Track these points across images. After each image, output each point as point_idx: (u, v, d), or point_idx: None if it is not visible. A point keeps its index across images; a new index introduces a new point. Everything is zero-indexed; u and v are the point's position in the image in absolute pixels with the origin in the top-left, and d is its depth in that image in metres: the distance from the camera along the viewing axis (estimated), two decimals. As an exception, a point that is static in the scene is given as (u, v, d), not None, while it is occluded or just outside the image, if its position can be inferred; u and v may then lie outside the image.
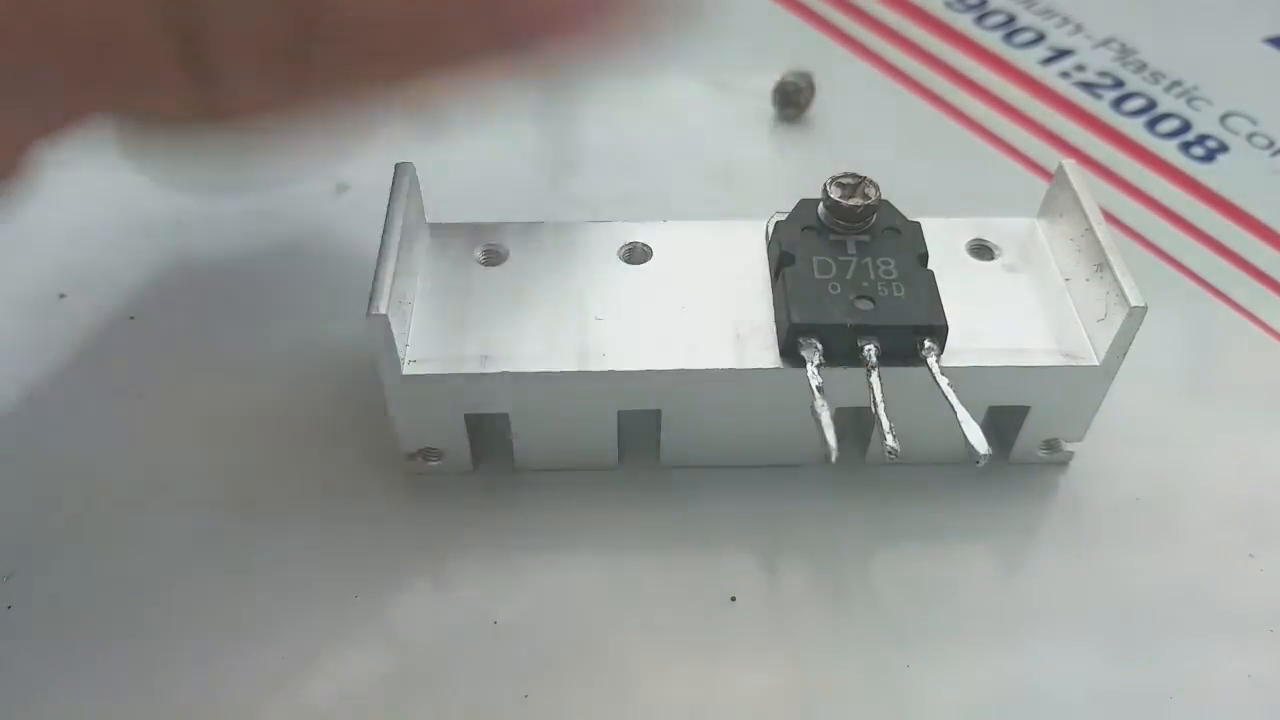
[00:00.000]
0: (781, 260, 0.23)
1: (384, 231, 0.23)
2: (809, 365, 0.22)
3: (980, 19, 0.39)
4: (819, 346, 0.22)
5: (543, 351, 0.23)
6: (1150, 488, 0.25)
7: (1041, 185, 0.26)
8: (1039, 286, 0.24)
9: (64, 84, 0.17)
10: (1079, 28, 0.39)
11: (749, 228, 0.25)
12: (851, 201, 0.23)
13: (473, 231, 0.25)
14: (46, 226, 0.31)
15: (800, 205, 0.24)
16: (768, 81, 0.35)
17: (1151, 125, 0.35)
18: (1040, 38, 0.38)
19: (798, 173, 0.34)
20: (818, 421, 0.21)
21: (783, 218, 0.24)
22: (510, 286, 0.24)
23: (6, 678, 0.22)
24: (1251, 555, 0.24)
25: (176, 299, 0.29)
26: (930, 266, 0.23)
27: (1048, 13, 0.39)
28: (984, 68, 0.37)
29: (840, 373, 0.22)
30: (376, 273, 0.22)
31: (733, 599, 0.23)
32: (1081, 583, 0.24)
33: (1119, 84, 0.36)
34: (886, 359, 0.22)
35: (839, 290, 0.22)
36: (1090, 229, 0.23)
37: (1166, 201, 0.32)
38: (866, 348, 0.22)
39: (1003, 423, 0.25)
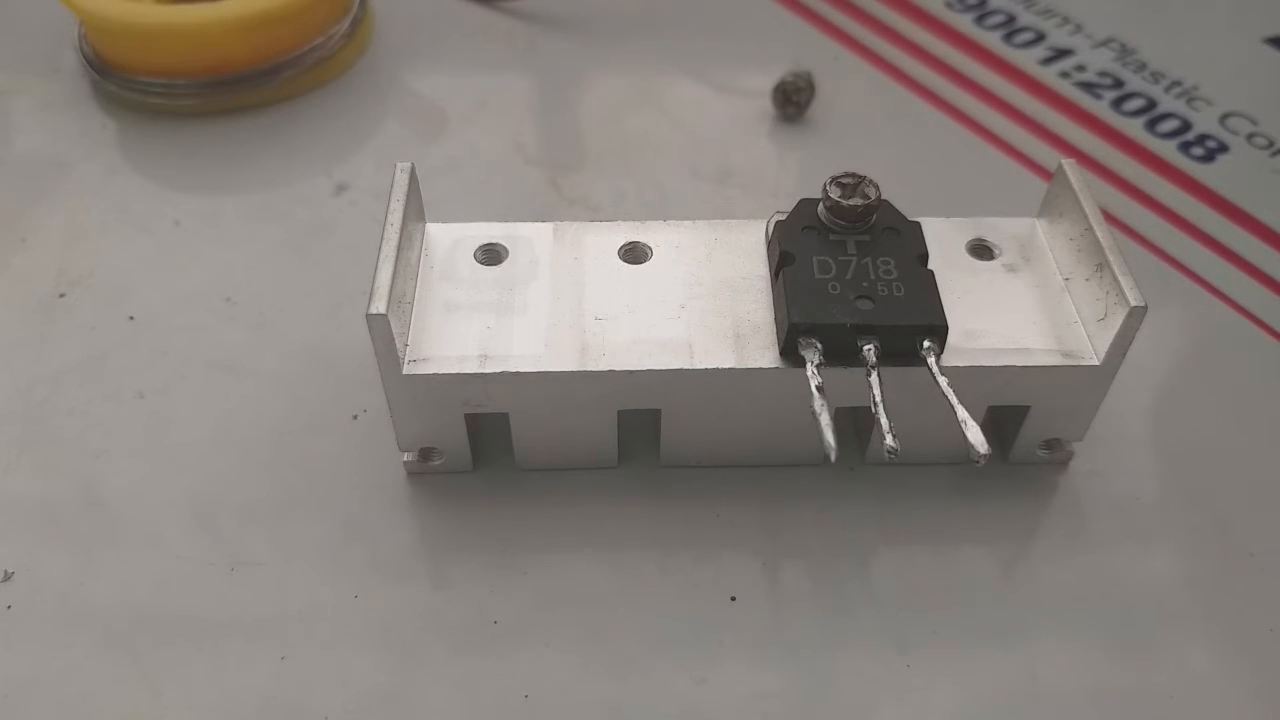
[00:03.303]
0: (781, 260, 0.23)
1: (384, 231, 0.23)
2: (809, 365, 0.22)
3: (980, 19, 0.39)
4: (819, 346, 0.22)
5: (543, 351, 0.23)
6: (1150, 488, 0.25)
7: (1041, 185, 0.26)
8: (1039, 286, 0.24)
9: None
10: (1079, 28, 0.39)
11: (749, 228, 0.25)
12: (851, 201, 0.23)
13: (473, 231, 0.25)
14: (46, 226, 0.31)
15: (800, 205, 0.24)
16: (768, 81, 0.35)
17: (1151, 125, 0.35)
18: (1040, 38, 0.38)
19: (798, 173, 0.34)
20: (817, 421, 0.21)
21: (783, 218, 0.24)
22: (510, 286, 0.24)
23: (6, 678, 0.22)
24: (1251, 555, 0.24)
25: (176, 299, 0.29)
26: (930, 266, 0.23)
27: (1048, 13, 0.39)
28: (984, 68, 0.37)
29: (840, 373, 0.22)
30: (376, 272, 0.22)
31: (733, 599, 0.23)
32: (1081, 583, 0.24)
33: (1119, 84, 0.36)
34: (886, 359, 0.22)
35: (839, 290, 0.22)
36: (1090, 229, 0.24)
37: (1166, 201, 0.32)
38: (866, 348, 0.22)
39: (1003, 423, 0.25)
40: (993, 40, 0.38)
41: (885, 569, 0.24)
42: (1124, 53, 0.38)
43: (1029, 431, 0.25)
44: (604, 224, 0.26)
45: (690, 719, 0.22)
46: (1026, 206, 0.26)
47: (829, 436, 0.21)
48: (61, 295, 0.29)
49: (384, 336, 0.22)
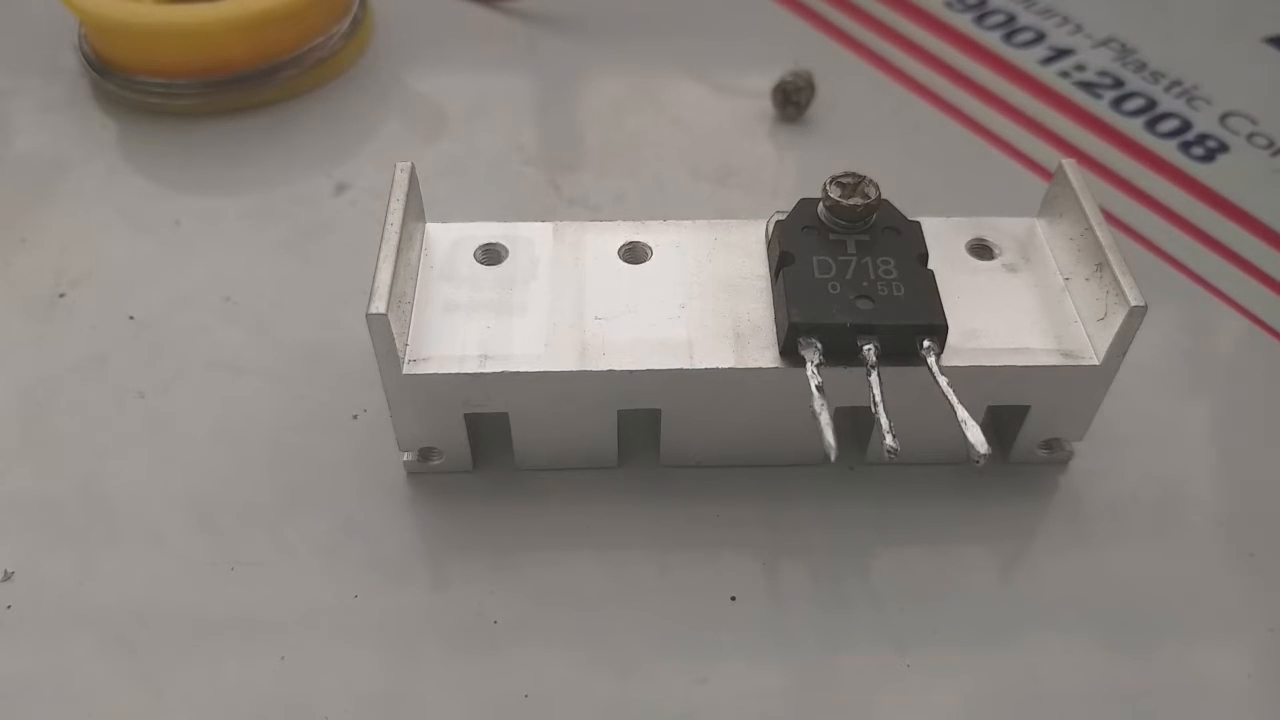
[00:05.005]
0: (781, 260, 0.23)
1: (384, 231, 0.23)
2: (809, 365, 0.22)
3: (980, 19, 0.39)
4: (819, 346, 0.22)
5: (543, 351, 0.23)
6: (1150, 488, 0.25)
7: (1041, 185, 0.26)
8: (1039, 286, 0.24)
9: None
10: (1079, 28, 0.39)
11: (749, 228, 0.25)
12: (851, 201, 0.23)
13: (473, 231, 0.25)
14: (46, 226, 0.31)
15: (800, 205, 0.24)
16: (768, 81, 0.35)
17: (1151, 125, 0.35)
18: (1040, 38, 0.38)
19: (798, 173, 0.34)
20: (817, 421, 0.21)
21: (783, 217, 0.24)
22: (510, 286, 0.24)
23: (6, 678, 0.22)
24: (1251, 555, 0.24)
25: (176, 299, 0.29)
26: (930, 266, 0.23)
27: (1048, 13, 0.39)
28: (984, 68, 0.37)
29: (840, 372, 0.22)
30: (376, 272, 0.22)
31: (733, 599, 0.23)
32: (1081, 583, 0.24)
33: (1119, 84, 0.36)
34: (886, 358, 0.22)
35: (839, 290, 0.22)
36: (1090, 229, 0.24)
37: (1166, 201, 0.32)
38: (866, 347, 0.22)
39: (1003, 423, 0.25)
40: (993, 40, 0.38)
41: (885, 568, 0.24)
42: (1124, 52, 0.38)
43: (1029, 431, 0.25)
44: (604, 224, 0.26)
45: (690, 719, 0.22)
46: (1026, 206, 0.26)
47: (829, 436, 0.21)
48: (61, 295, 0.29)
49: (384, 336, 0.22)
